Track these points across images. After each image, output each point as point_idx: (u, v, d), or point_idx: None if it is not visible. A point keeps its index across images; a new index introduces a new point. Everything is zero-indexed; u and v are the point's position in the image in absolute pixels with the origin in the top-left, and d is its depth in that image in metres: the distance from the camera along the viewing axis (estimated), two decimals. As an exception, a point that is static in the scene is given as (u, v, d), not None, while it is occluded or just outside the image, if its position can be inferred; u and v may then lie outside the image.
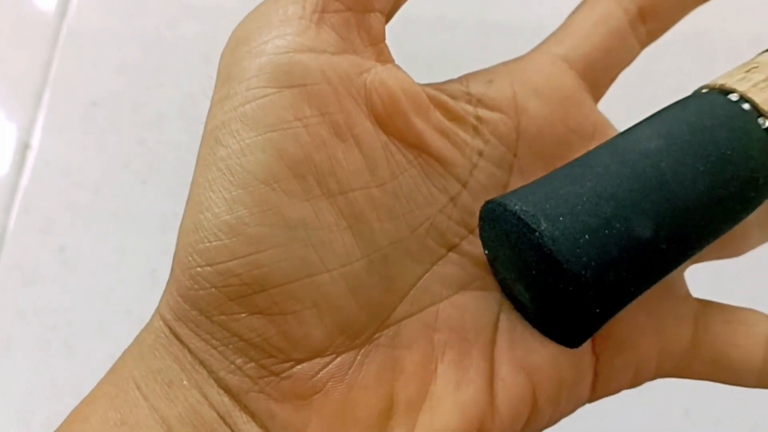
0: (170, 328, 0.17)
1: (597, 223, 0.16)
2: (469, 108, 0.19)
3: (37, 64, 0.44)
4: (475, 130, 0.19)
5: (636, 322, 0.19)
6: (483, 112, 0.20)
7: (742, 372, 0.19)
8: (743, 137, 0.18)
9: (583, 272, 0.16)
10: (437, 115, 0.19)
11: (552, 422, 0.19)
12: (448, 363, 0.18)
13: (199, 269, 0.16)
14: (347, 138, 0.17)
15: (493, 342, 0.19)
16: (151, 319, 0.18)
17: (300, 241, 0.16)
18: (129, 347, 0.18)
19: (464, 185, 0.19)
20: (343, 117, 0.17)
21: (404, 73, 0.19)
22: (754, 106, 0.18)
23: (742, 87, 0.18)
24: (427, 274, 0.19)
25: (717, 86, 0.19)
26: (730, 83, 0.19)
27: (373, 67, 0.18)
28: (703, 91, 0.19)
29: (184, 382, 0.17)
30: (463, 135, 0.19)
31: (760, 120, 0.18)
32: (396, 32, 0.44)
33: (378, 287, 0.18)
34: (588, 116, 0.21)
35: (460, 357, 0.18)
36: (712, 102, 0.18)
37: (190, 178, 0.18)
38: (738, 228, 0.19)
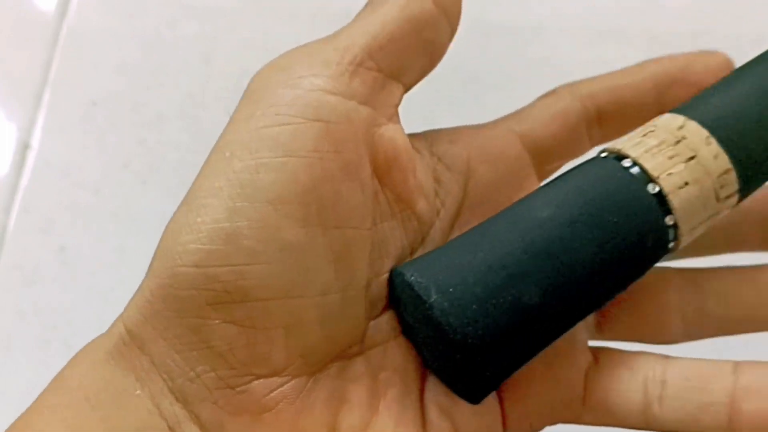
0: (132, 335, 0.17)
1: (486, 293, 0.17)
2: (433, 166, 0.21)
3: (38, 64, 0.44)
4: (437, 189, 0.21)
5: (534, 372, 0.20)
6: (441, 171, 0.21)
7: (625, 416, 0.20)
8: (632, 204, 0.18)
9: (471, 341, 0.17)
10: (421, 174, 0.20)
11: None
12: (390, 400, 0.19)
13: (184, 269, 0.17)
14: (354, 178, 0.18)
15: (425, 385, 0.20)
16: (110, 328, 0.18)
17: (289, 263, 0.17)
18: (76, 356, 0.18)
19: (429, 231, 0.21)
20: (354, 159, 0.18)
21: (406, 136, 0.20)
22: (644, 172, 0.18)
23: (635, 152, 0.19)
24: (382, 317, 0.20)
25: (614, 151, 0.20)
26: (625, 148, 0.19)
27: (384, 124, 0.19)
28: (602, 155, 0.20)
29: (137, 392, 0.17)
30: (432, 193, 0.21)
31: (650, 186, 0.18)
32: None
33: (344, 323, 0.19)
34: (529, 190, 0.22)
35: (401, 396, 0.19)
36: (606, 168, 0.19)
37: (190, 179, 0.18)
38: (654, 315, 0.21)
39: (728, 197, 0.19)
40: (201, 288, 0.17)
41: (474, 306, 0.17)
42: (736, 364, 0.20)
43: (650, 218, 0.18)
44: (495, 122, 0.23)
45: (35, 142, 0.43)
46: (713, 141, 0.18)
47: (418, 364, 0.20)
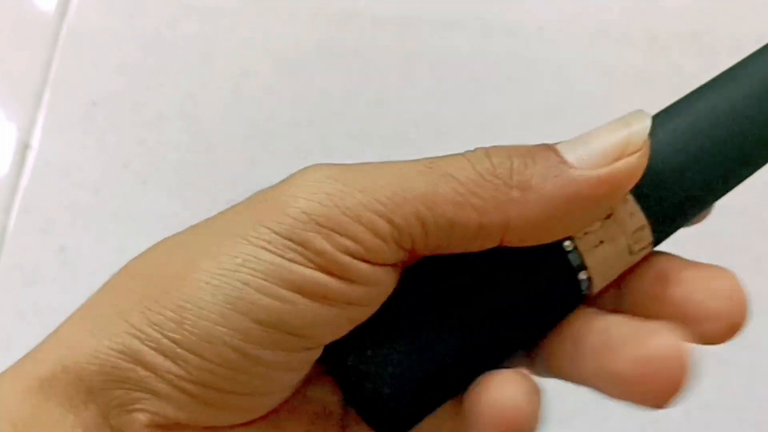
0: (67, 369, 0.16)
1: (401, 359, 0.17)
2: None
3: (38, 64, 0.44)
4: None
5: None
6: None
7: None
8: (548, 264, 0.18)
9: (386, 398, 0.17)
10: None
11: None
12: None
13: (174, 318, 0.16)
14: (327, 300, 0.17)
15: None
16: (42, 352, 0.17)
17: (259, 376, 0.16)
18: (3, 378, 0.16)
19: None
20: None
21: None
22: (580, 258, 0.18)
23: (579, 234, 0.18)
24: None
25: None
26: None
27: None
28: None
29: (70, 422, 0.16)
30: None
31: (566, 243, 0.18)
32: (397, 32, 0.44)
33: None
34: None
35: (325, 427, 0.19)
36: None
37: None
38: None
39: (642, 249, 0.18)
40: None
41: (389, 368, 0.17)
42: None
43: (565, 276, 0.18)
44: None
45: (35, 142, 0.43)
46: (630, 199, 0.17)
47: (340, 398, 0.19)
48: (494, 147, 0.16)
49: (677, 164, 0.18)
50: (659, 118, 0.19)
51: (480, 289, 0.18)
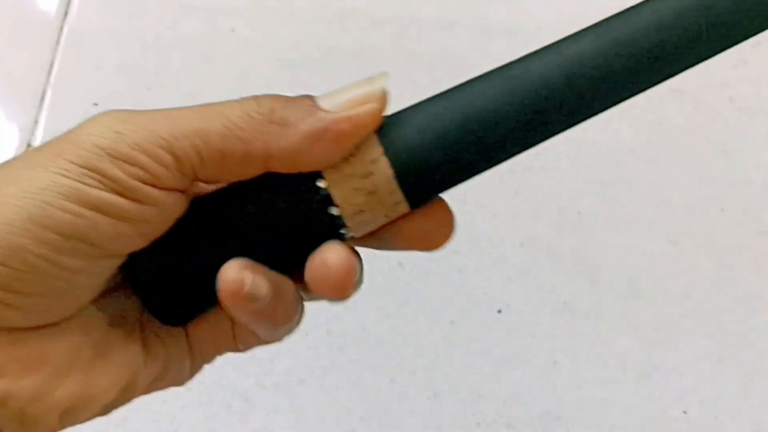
0: None
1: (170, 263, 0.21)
2: None
3: (39, 64, 0.45)
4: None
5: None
6: None
7: None
8: (313, 218, 0.20)
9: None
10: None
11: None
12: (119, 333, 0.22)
13: None
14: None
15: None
16: None
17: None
18: None
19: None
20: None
21: None
22: (331, 197, 0.20)
23: (331, 175, 0.20)
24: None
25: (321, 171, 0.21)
26: (328, 170, 0.20)
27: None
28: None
29: None
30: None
31: (333, 209, 0.20)
32: (397, 32, 0.44)
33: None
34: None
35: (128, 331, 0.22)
36: (303, 185, 0.20)
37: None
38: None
39: (398, 215, 0.21)
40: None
41: (169, 271, 0.20)
42: None
43: (326, 230, 0.21)
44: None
45: (37, 142, 0.43)
46: (394, 183, 0.20)
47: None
48: (263, 94, 0.20)
49: (430, 147, 0.20)
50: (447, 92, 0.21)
51: (247, 213, 0.20)
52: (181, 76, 0.44)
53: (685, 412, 0.38)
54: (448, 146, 0.20)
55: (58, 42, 0.45)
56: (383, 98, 0.20)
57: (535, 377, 0.37)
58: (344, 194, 0.20)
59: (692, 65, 0.21)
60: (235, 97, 0.20)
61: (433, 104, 0.21)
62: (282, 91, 0.21)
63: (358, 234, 0.21)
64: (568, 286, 0.39)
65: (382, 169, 0.20)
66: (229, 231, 0.20)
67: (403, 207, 0.20)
